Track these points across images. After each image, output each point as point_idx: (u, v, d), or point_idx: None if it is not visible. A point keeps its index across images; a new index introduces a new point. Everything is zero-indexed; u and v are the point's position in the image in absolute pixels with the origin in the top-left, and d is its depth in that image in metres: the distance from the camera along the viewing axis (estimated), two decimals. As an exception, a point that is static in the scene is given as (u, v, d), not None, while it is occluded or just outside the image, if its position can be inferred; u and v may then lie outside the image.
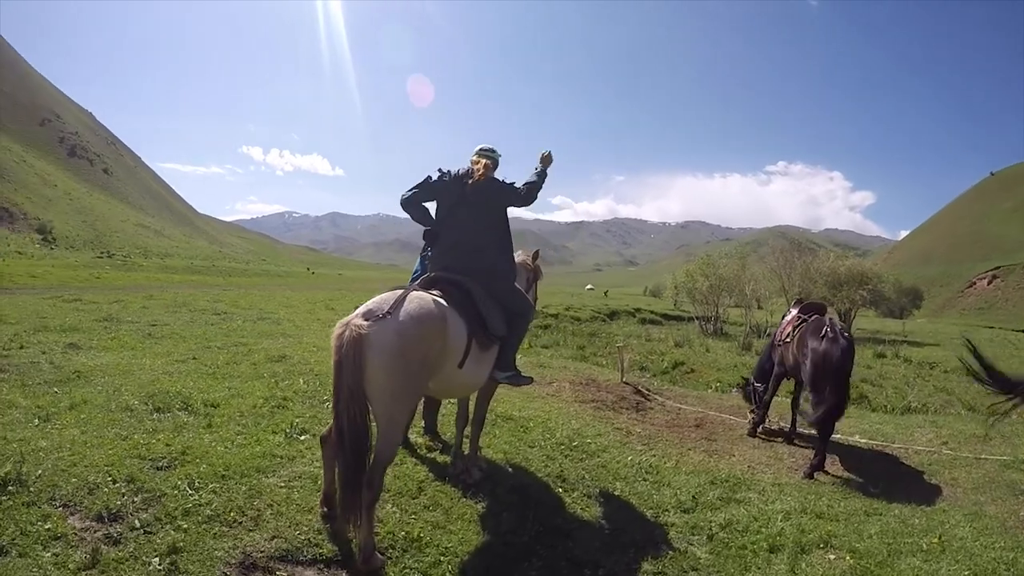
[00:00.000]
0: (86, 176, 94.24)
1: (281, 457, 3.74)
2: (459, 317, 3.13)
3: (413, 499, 3.51)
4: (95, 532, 2.61)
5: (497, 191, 3.57)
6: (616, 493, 4.07)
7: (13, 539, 2.43)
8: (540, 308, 22.44)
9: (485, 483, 3.80)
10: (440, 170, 3.58)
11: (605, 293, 45.64)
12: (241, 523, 2.91)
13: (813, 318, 5.57)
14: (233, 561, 2.59)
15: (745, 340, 17.94)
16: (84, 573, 2.33)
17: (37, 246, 44.09)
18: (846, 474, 5.13)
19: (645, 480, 4.35)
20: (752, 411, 6.22)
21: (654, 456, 4.98)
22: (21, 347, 6.12)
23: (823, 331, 5.14)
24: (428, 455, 4.28)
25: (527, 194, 3.63)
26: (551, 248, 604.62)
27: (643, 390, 7.38)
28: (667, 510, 3.89)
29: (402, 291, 2.93)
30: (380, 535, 3.02)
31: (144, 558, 2.47)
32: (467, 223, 3.49)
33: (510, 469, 4.18)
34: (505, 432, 4.99)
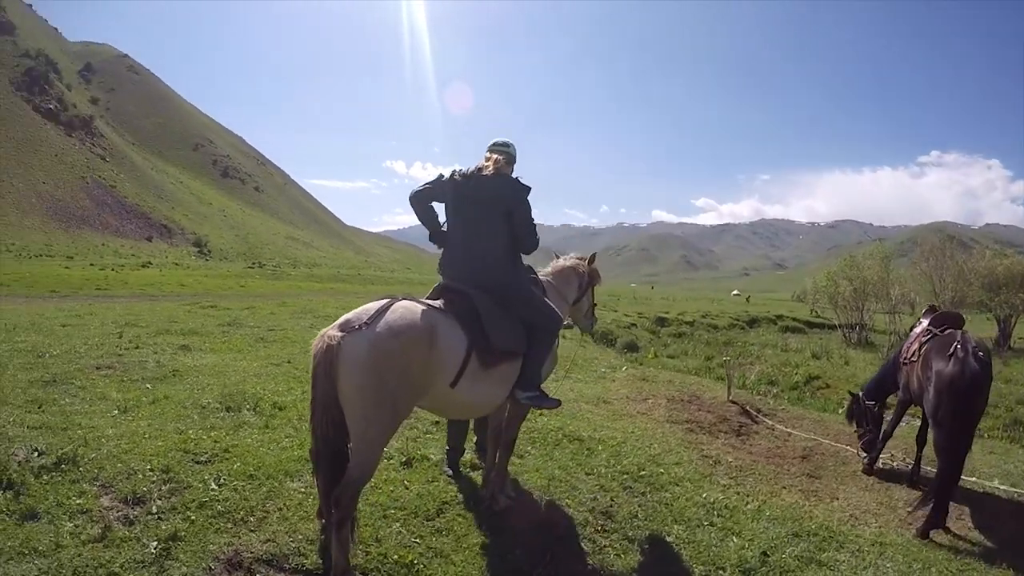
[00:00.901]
0: (239, 194, 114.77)
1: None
2: (458, 330, 3.11)
3: (427, 521, 3.63)
4: (116, 512, 3.16)
5: (501, 187, 3.44)
6: (668, 539, 3.77)
7: (48, 508, 3.07)
8: (675, 316, 22.58)
9: (512, 512, 3.79)
10: (456, 168, 3.60)
11: (747, 299, 47.15)
12: (247, 522, 3.29)
13: (945, 332, 4.71)
14: (222, 557, 2.94)
15: (890, 351, 16.48)
16: (91, 545, 2.84)
17: (193, 258, 54.09)
18: (972, 534, 4.33)
19: (712, 525, 3.97)
20: (859, 435, 5.68)
21: (736, 494, 4.57)
22: (137, 347, 7.51)
23: (951, 349, 4.33)
24: (469, 473, 4.40)
25: (533, 239, 3.55)
26: (696, 252, 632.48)
27: (751, 410, 6.98)
28: (723, 568, 3.50)
29: (388, 299, 3.00)
30: (371, 555, 3.18)
31: (145, 540, 2.94)
32: (471, 223, 3.46)
33: (547, 498, 4.10)
34: (566, 455, 4.95)
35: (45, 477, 3.34)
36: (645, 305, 28.60)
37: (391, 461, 4.41)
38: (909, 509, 4.63)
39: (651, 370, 9.52)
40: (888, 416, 5.65)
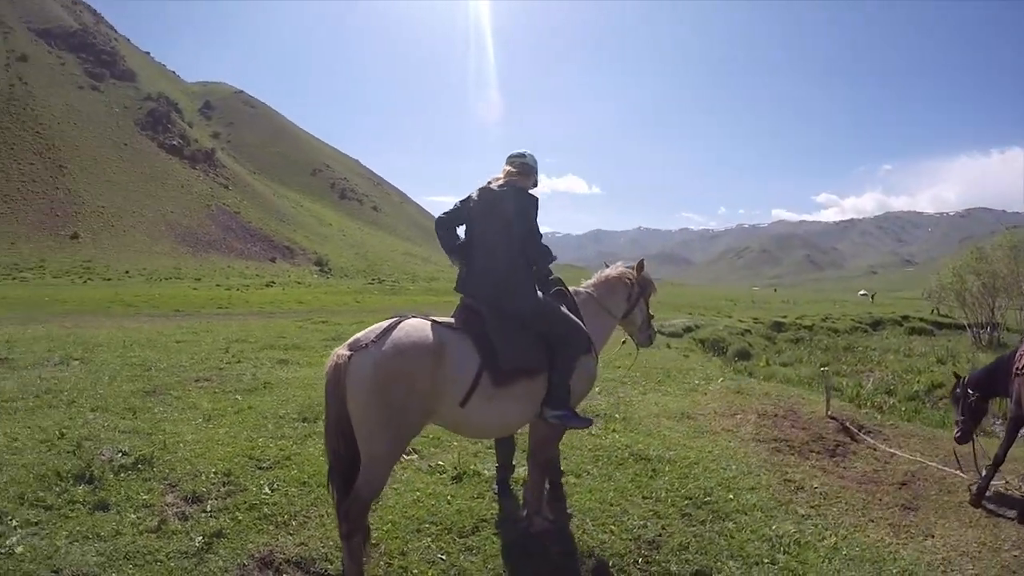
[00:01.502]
0: (357, 214, 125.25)
1: (365, 474, 4.44)
2: (470, 348, 3.18)
3: (460, 538, 3.74)
4: (175, 508, 3.68)
5: (505, 199, 3.48)
6: (718, 578, 3.58)
7: (118, 501, 3.67)
8: (793, 320, 21.90)
9: (548, 535, 3.78)
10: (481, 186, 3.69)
11: (872, 298, 47.26)
12: (288, 525, 3.66)
13: None
14: (257, 555, 3.30)
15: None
16: (146, 535, 3.35)
17: (315, 276, 59.61)
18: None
19: (773, 564, 3.68)
20: (956, 421, 5.20)
21: (814, 527, 4.20)
22: (239, 361, 8.47)
23: None
24: (520, 492, 4.46)
25: (537, 251, 3.57)
26: (820, 251, 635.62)
27: (851, 427, 6.39)
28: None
29: (398, 317, 3.16)
30: (393, 567, 3.38)
31: (192, 535, 3.39)
32: (480, 239, 3.55)
33: (590, 523, 4.03)
34: (627, 476, 4.84)
35: (122, 475, 3.97)
36: (763, 310, 27.57)
37: (443, 476, 4.60)
38: (1016, 553, 4.01)
39: (750, 381, 9.02)
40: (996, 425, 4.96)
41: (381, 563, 3.37)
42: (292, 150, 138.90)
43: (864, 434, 6.24)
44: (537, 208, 3.58)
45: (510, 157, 3.71)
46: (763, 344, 17.40)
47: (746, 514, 4.31)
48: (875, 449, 5.92)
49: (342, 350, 2.98)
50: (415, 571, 3.37)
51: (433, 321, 3.22)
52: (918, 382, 12.07)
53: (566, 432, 5.46)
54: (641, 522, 4.09)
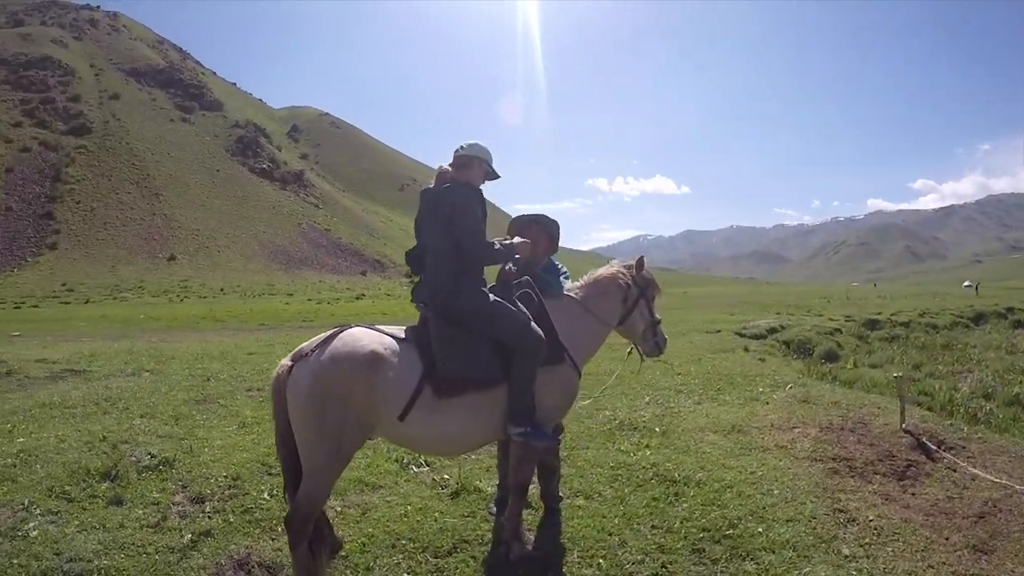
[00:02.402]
0: None
1: (368, 484, 4.80)
2: (413, 358, 3.22)
3: (434, 558, 3.82)
4: (180, 507, 4.21)
5: (442, 196, 3.48)
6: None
7: (131, 497, 4.28)
8: (888, 316, 20.89)
9: (525, 564, 3.72)
10: None
11: (976, 290, 46.35)
12: (273, 530, 4.05)
13: None
14: (235, 557, 3.71)
15: None
16: (145, 528, 3.89)
17: (404, 288, 62.68)
18: None
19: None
20: None
21: (856, 572, 3.71)
22: (296, 371, 9.20)
23: None
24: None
25: (473, 244, 3.42)
26: (920, 241, 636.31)
27: (928, 443, 5.68)
28: None
29: (340, 327, 3.24)
30: (353, 584, 3.58)
31: (183, 531, 3.88)
32: (430, 242, 3.56)
33: (577, 555, 3.90)
34: (642, 500, 4.59)
35: (144, 474, 4.63)
36: (857, 306, 26.05)
37: (443, 490, 4.73)
38: None
39: (822, 388, 8.32)
40: None
41: (346, 576, 3.61)
42: (379, 167, 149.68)
43: (944, 451, 5.52)
44: (479, 201, 3.53)
45: (455, 153, 3.70)
46: (853, 344, 16.57)
47: (774, 552, 3.87)
48: (954, 469, 5.22)
49: (285, 360, 3.16)
50: (375, 590, 3.54)
51: (376, 330, 3.30)
52: (1020, 383, 10.95)
53: (588, 449, 5.31)
54: (639, 556, 3.83)
